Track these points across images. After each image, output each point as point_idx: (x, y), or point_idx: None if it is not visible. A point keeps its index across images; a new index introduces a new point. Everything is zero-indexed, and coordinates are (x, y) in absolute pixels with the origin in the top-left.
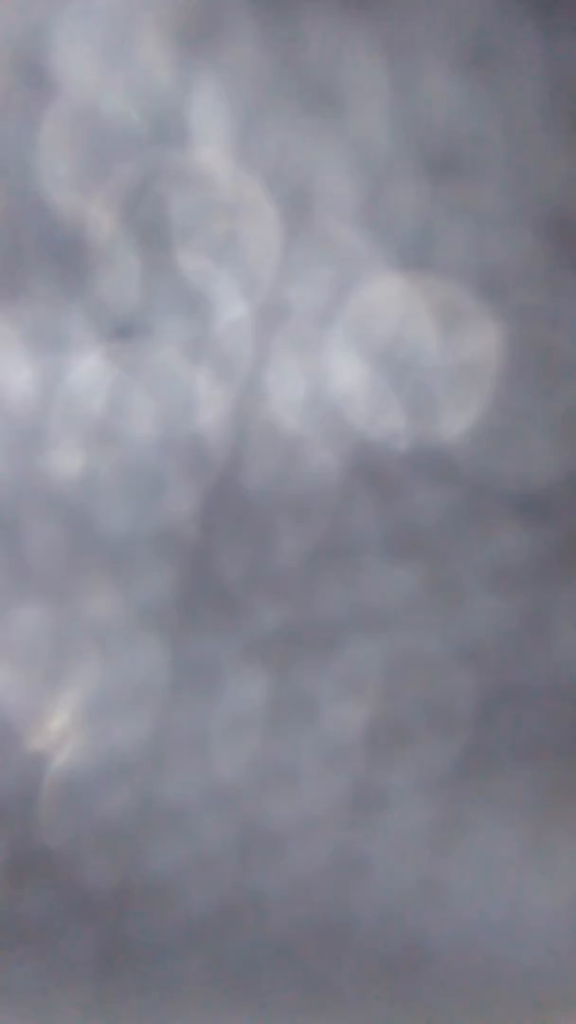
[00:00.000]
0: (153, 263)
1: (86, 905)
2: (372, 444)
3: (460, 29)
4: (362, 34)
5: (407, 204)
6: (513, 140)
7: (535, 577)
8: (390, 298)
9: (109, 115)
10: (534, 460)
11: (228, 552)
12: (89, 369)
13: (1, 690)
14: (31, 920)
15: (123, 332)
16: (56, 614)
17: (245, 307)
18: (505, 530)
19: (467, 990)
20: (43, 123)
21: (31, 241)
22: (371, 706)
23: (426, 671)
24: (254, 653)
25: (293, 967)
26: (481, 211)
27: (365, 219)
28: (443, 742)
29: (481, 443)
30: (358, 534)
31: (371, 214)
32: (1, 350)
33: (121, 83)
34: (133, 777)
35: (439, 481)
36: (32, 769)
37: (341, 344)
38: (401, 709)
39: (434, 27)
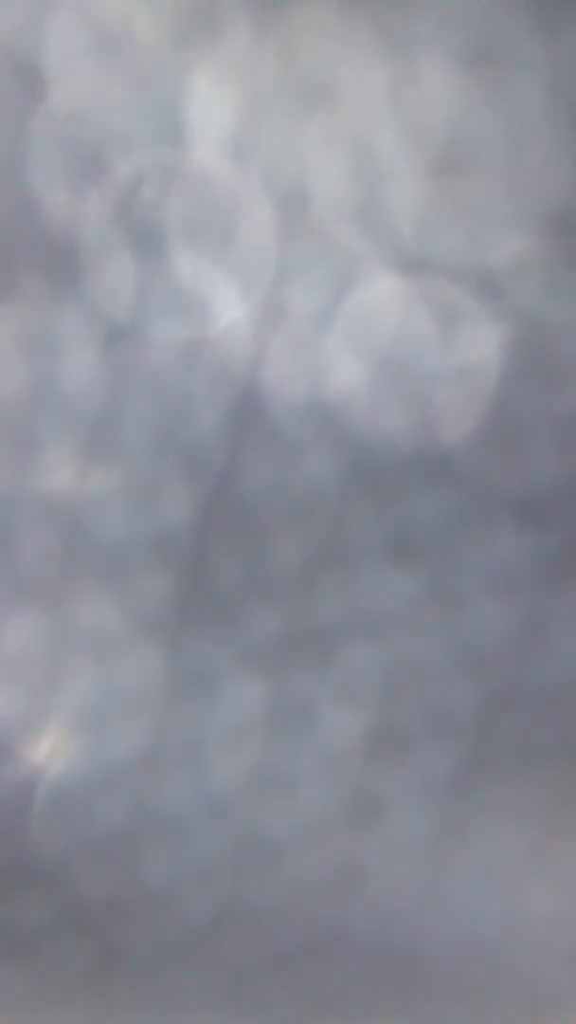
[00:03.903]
0: (148, 264)
1: (81, 916)
2: (371, 447)
3: (460, 29)
4: (361, 32)
5: (407, 204)
6: (513, 140)
7: (536, 582)
8: (389, 299)
9: (103, 113)
10: (535, 464)
11: (225, 558)
12: (83, 372)
13: None
14: (26, 931)
15: (117, 334)
16: (50, 621)
17: (242, 308)
18: (505, 535)
19: (467, 1000)
20: (35, 120)
21: (23, 241)
22: (370, 713)
23: (426, 677)
24: (251, 660)
25: (291, 978)
26: (481, 211)
27: (364, 219)
28: (443, 749)
29: (481, 446)
30: (357, 539)
31: (370, 214)
32: None
33: (115, 80)
34: (129, 786)
35: (439, 485)
36: (27, 779)
37: (339, 346)
38: (400, 716)
39: (434, 26)
